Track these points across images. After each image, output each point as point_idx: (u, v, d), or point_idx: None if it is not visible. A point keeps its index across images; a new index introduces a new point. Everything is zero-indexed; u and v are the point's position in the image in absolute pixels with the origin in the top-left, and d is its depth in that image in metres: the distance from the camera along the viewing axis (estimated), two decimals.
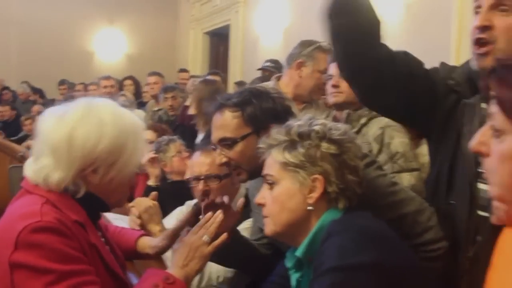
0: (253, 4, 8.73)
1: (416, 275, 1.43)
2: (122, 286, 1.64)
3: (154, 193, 2.47)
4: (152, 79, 6.37)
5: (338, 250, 1.34)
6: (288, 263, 1.60)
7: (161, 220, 2.42)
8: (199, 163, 2.40)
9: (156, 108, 6.21)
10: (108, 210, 1.72)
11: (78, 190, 1.56)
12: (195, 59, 10.72)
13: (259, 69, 5.65)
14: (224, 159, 1.91)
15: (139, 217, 2.36)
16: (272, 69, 5.29)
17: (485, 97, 1.08)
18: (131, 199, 2.95)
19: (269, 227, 1.57)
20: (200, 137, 4.49)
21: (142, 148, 1.66)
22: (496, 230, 1.12)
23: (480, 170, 1.60)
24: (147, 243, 1.95)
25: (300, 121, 1.57)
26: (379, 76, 1.78)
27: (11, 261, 1.42)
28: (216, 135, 1.92)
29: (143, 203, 2.41)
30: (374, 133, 2.40)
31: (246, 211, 2.25)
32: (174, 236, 1.96)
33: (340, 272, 1.31)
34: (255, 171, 1.84)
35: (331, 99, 2.62)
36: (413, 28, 5.37)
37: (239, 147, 1.88)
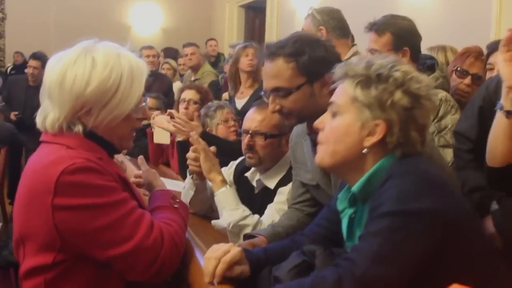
0: None
1: (470, 221, 1.43)
2: None
3: (214, 148, 2.37)
4: (189, 50, 6.35)
5: (398, 193, 1.32)
6: (340, 205, 1.58)
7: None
8: (251, 119, 2.43)
9: (193, 78, 6.27)
10: (117, 152, 1.74)
11: (73, 129, 1.57)
12: (230, 32, 10.69)
13: None
14: (278, 107, 1.92)
15: (199, 165, 2.30)
16: None
17: None
18: None
19: (321, 155, 1.52)
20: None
21: (137, 89, 1.63)
22: None
23: None
24: None
25: (384, 60, 1.48)
26: None
27: (55, 205, 1.44)
28: (269, 84, 1.92)
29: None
30: None
31: (290, 172, 2.28)
32: None
33: (398, 217, 1.29)
34: (304, 117, 1.93)
35: None
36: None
37: (293, 96, 1.88)
